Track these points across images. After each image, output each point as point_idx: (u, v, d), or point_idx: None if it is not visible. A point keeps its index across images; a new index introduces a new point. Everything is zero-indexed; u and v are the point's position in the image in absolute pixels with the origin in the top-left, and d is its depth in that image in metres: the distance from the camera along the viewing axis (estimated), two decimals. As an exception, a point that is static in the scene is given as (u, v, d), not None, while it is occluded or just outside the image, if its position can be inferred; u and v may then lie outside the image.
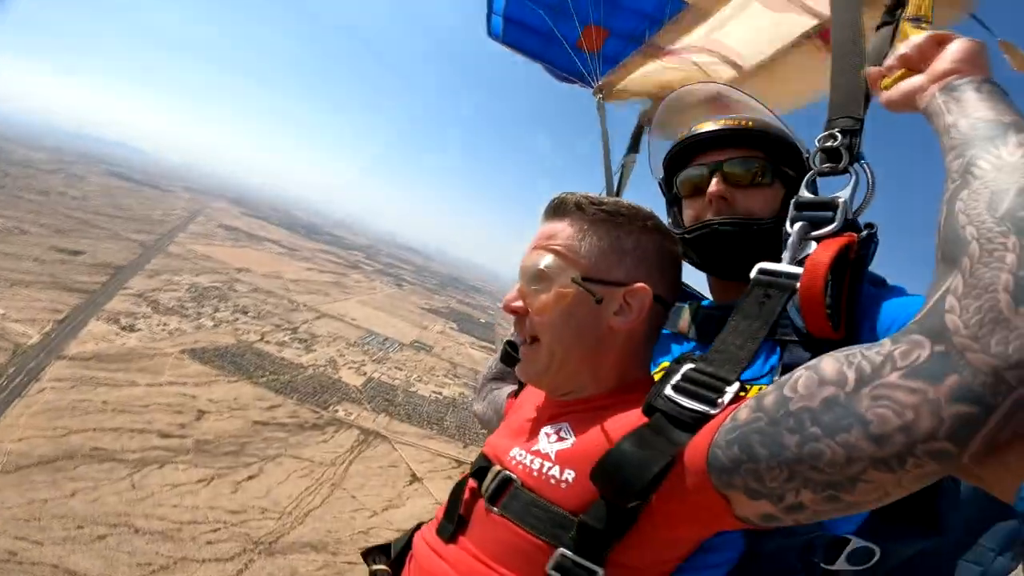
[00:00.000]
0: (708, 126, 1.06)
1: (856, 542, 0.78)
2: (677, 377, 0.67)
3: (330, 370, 62.19)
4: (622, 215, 0.83)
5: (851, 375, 0.49)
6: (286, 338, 65.05)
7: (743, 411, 0.58)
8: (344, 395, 58.09)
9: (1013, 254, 0.43)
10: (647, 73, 1.75)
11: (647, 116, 1.80)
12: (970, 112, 0.60)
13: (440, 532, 0.83)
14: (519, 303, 0.85)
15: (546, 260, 0.82)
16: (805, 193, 0.82)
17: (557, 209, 0.86)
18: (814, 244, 0.75)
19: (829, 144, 0.80)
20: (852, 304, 0.75)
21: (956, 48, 0.68)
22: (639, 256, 0.83)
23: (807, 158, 0.96)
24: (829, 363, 0.52)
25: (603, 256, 0.82)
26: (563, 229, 0.84)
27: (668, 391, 0.66)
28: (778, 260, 0.83)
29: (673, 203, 1.16)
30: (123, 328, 49.13)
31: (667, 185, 1.19)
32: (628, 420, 0.72)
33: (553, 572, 0.66)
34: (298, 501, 34.46)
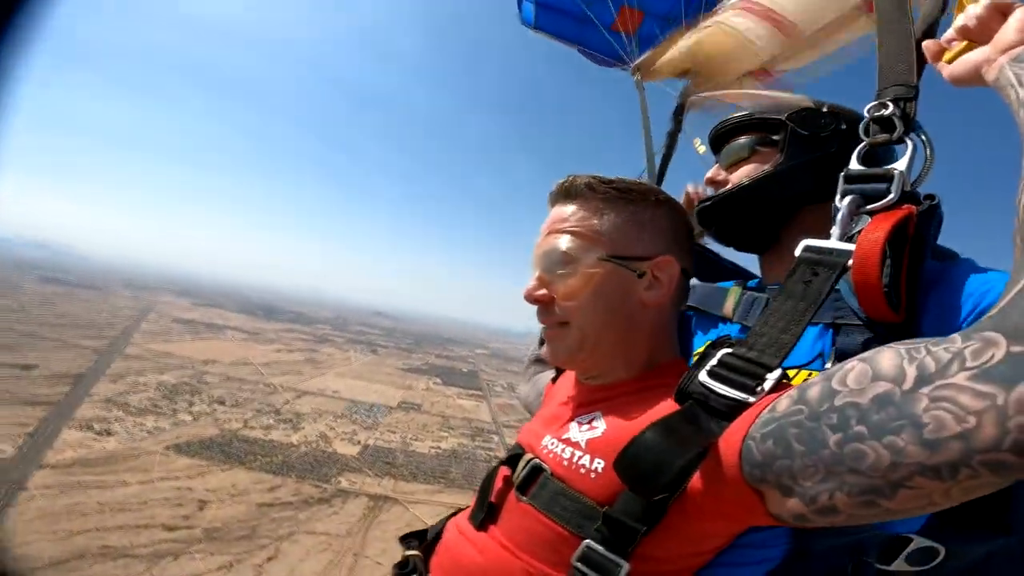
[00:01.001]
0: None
1: (919, 541, 0.73)
2: (713, 362, 0.63)
3: (323, 444, 59.89)
4: (634, 191, 0.82)
5: (911, 371, 0.44)
6: (270, 421, 62.51)
7: (783, 401, 0.54)
8: (343, 466, 55.89)
9: None
10: (684, 46, 1.72)
11: (687, 93, 1.77)
12: None
13: (472, 519, 0.82)
14: (542, 291, 0.82)
15: (567, 242, 0.80)
16: (855, 165, 0.76)
17: (567, 192, 0.84)
18: (867, 219, 0.68)
19: (880, 113, 0.75)
20: (913, 284, 0.68)
21: (1022, 17, 0.63)
22: (656, 229, 0.82)
23: (825, 111, 0.95)
24: (888, 356, 0.47)
25: (622, 232, 0.80)
26: (576, 211, 0.82)
27: (703, 377, 0.61)
28: (769, 219, 0.85)
29: None
30: (99, 433, 46.22)
31: None
32: (660, 408, 0.69)
33: (578, 564, 0.64)
34: None
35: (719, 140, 1.10)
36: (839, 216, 0.72)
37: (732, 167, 1.05)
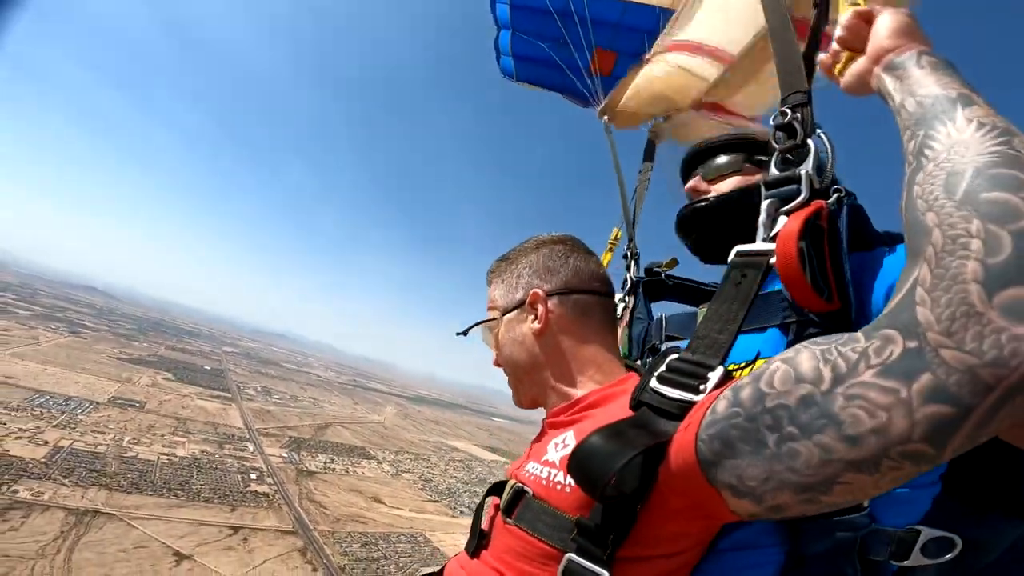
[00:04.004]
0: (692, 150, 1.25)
1: (929, 533, 0.72)
2: (661, 368, 0.68)
3: (-21, 444, 44.85)
4: (514, 253, 1.03)
5: (827, 373, 0.47)
6: None
7: (720, 403, 0.56)
8: (21, 471, 42.74)
9: (978, 240, 0.41)
10: (639, 88, 1.88)
11: (655, 131, 1.96)
12: (915, 89, 0.58)
13: (467, 548, 0.91)
14: (495, 358, 1.02)
15: (487, 317, 1.02)
16: (773, 171, 0.82)
17: (487, 278, 1.06)
18: (785, 219, 0.74)
19: (782, 121, 0.82)
20: (839, 271, 0.72)
21: (885, 24, 0.67)
22: (529, 274, 0.99)
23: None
24: (805, 358, 0.50)
25: (508, 291, 1.00)
26: (490, 291, 1.04)
27: (653, 383, 0.67)
28: (747, 228, 0.88)
29: None
30: None
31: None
32: (617, 416, 0.71)
33: None
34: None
35: (700, 157, 1.23)
36: (760, 220, 0.78)
37: (715, 180, 1.17)
